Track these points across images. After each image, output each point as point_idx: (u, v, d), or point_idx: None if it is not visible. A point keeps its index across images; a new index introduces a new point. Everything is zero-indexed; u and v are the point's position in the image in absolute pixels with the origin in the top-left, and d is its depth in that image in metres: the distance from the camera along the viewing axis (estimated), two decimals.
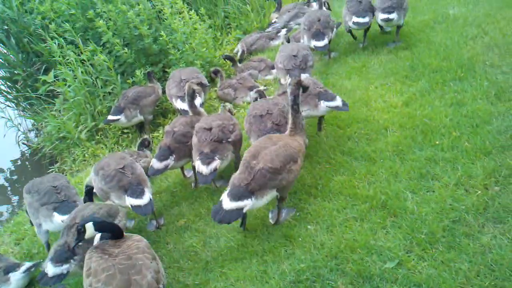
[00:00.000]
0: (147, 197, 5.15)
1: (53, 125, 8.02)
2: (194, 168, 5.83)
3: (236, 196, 4.55)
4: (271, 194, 4.75)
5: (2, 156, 9.03)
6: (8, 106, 9.59)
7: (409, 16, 9.30)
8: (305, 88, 5.30)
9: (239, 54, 9.27)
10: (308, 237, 4.77)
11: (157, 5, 8.35)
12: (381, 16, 7.93)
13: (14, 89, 9.39)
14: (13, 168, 8.86)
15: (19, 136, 9.11)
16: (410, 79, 7.15)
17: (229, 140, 5.57)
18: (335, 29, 9.02)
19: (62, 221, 4.96)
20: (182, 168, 6.22)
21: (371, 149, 5.79)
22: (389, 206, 4.85)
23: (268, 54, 9.37)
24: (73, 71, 7.69)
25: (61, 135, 8.02)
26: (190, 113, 6.26)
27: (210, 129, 5.56)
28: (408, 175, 5.22)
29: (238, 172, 4.81)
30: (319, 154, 5.97)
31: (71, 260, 4.51)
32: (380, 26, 8.80)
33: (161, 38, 8.01)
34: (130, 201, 5.10)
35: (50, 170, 7.99)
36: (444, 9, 9.46)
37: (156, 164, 5.65)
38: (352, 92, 7.20)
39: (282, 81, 6.99)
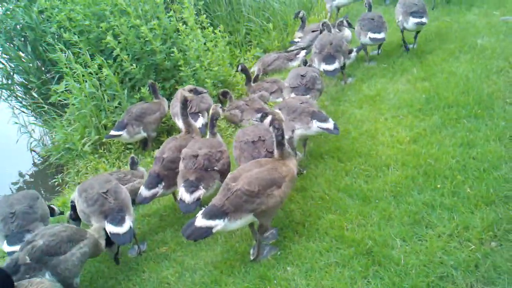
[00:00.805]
0: (127, 225, 5.01)
1: (61, 135, 8.03)
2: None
3: (209, 214, 4.46)
4: (247, 219, 4.60)
5: (14, 161, 9.11)
6: (23, 112, 9.71)
7: (435, 44, 8.93)
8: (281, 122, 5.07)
9: (255, 74, 9.10)
10: (285, 280, 4.53)
11: (172, 21, 8.27)
12: (412, 20, 8.29)
13: (29, 96, 9.50)
14: (21, 174, 8.91)
15: (31, 143, 9.19)
16: (423, 113, 6.81)
17: (215, 168, 5.40)
18: (354, 53, 8.78)
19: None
20: (174, 193, 6.06)
21: (368, 187, 5.50)
22: (375, 254, 4.56)
23: (285, 75, 9.14)
24: (80, 83, 7.68)
25: (67, 146, 8.03)
26: (182, 126, 6.09)
27: (196, 156, 5.40)
28: (401, 220, 4.91)
29: (218, 193, 4.72)
30: (314, 188, 5.72)
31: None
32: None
33: (172, 55, 7.91)
34: (109, 228, 4.99)
35: (54, 180, 8.00)
36: (473, 37, 9.04)
37: (144, 192, 5.53)
38: (360, 122, 6.92)
39: (285, 96, 6.96)
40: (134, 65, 7.84)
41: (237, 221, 4.52)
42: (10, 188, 8.57)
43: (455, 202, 4.97)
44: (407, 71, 8.20)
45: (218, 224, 4.43)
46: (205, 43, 8.25)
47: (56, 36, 8.47)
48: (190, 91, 6.05)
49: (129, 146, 7.82)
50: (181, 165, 5.43)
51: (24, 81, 9.44)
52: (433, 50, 8.73)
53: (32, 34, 8.92)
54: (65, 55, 7.74)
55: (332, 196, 5.51)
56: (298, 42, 10.10)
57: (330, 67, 7.57)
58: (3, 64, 9.44)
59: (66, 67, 7.62)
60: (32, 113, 9.69)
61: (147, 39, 7.89)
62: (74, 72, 7.71)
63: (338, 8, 11.26)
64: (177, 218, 5.87)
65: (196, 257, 5.10)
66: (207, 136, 5.92)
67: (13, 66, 9.37)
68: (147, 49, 7.99)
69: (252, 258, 4.90)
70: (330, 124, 5.88)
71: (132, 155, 6.75)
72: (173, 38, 8.39)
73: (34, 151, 9.02)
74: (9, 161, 9.00)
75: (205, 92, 6.54)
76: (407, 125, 6.59)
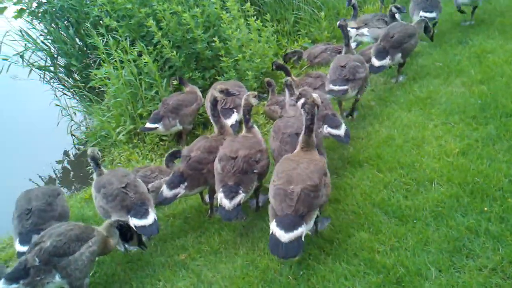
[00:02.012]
0: (151, 217, 5.07)
1: (97, 122, 7.96)
2: (212, 197, 5.58)
3: (290, 226, 4.24)
4: (315, 216, 4.56)
5: (55, 144, 9.11)
6: (66, 94, 9.71)
7: (498, 43, 8.22)
8: (317, 107, 4.94)
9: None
10: None
11: (216, 8, 7.94)
12: None
13: (71, 79, 9.48)
14: (59, 160, 8.90)
15: (71, 126, 9.18)
16: (477, 121, 6.24)
17: (255, 171, 5.13)
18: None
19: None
20: (201, 193, 5.82)
21: (406, 204, 5.07)
22: (405, 284, 4.17)
23: None
24: (117, 70, 7.52)
25: (103, 133, 7.94)
26: (214, 126, 5.82)
27: (235, 158, 5.11)
28: (440, 246, 4.48)
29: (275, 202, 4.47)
30: (347, 201, 5.34)
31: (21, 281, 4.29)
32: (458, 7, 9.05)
33: (213, 44, 7.62)
34: (134, 221, 4.98)
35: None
36: None
37: (165, 191, 5.33)
38: (406, 128, 6.42)
39: (326, 87, 6.75)
40: (174, 52, 7.59)
41: (311, 221, 4.47)
42: (50, 173, 8.55)
43: (503, 230, 4.48)
44: (464, 72, 7.56)
45: (304, 231, 4.27)
46: (249, 33, 7.86)
47: (99, 20, 8.32)
48: (221, 91, 5.75)
49: (164, 137, 7.63)
50: (218, 167, 5.16)
51: (66, 63, 9.40)
52: (494, 49, 8.02)
53: (75, 16, 8.83)
54: (103, 41, 7.57)
55: (366, 211, 5.11)
56: (349, 29, 9.53)
57: (377, 62, 7.19)
58: (47, 46, 9.43)
59: (103, 53, 7.46)
60: (74, 96, 9.67)
61: (188, 26, 7.61)
62: (112, 59, 7.55)
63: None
64: (202, 222, 5.63)
65: (215, 269, 4.85)
66: (243, 132, 5.60)
67: (56, 48, 9.33)
68: (188, 37, 7.72)
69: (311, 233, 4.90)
70: (341, 131, 5.72)
71: (175, 149, 6.52)
72: (216, 26, 8.07)
73: (73, 135, 8.98)
74: (49, 144, 9.03)
75: (237, 94, 6.24)
76: (458, 134, 6.05)
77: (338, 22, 7.62)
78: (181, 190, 5.34)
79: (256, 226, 5.31)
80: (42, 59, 9.52)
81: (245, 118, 5.52)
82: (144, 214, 5.03)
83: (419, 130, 6.31)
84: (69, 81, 9.52)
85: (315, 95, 4.96)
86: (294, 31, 10.06)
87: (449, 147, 5.82)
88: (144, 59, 7.42)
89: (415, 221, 4.83)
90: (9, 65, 9.13)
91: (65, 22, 9.18)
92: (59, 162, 8.84)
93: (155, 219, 5.06)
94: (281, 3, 10.10)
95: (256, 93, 5.65)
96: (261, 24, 8.13)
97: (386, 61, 7.22)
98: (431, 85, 7.38)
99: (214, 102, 5.72)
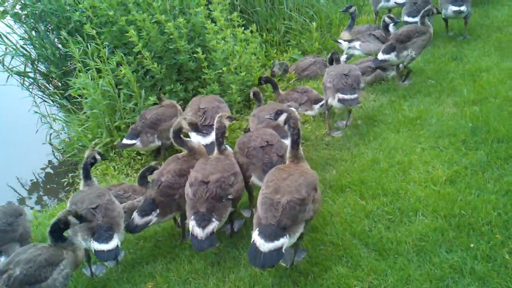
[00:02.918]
0: (113, 243, 4.72)
1: (74, 132, 7.66)
2: (183, 221, 5.26)
3: (271, 235, 4.13)
4: (300, 229, 4.38)
5: (33, 153, 8.77)
6: (45, 101, 9.39)
7: (493, 61, 7.96)
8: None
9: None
10: None
11: (201, 17, 7.63)
12: (451, 8, 8.64)
13: (52, 86, 9.16)
14: (36, 169, 8.57)
15: (50, 134, 8.85)
16: (467, 146, 5.96)
17: (229, 197, 4.85)
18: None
19: None
20: (175, 217, 5.51)
21: (388, 236, 4.78)
22: None
23: (320, 82, 8.38)
24: (95, 79, 7.22)
25: (80, 144, 7.63)
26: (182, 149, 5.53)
27: (207, 182, 4.81)
28: (422, 285, 4.20)
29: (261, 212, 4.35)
30: (326, 230, 5.05)
31: None
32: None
33: (195, 55, 7.33)
34: (94, 245, 4.70)
35: (63, 180, 7.63)
36: None
37: (136, 219, 5.02)
38: (393, 151, 6.14)
39: (330, 100, 6.68)
40: (155, 63, 7.28)
41: (295, 234, 4.31)
42: (24, 182, 8.24)
43: (489, 270, 4.22)
44: (456, 91, 7.29)
45: (284, 243, 4.15)
46: (234, 45, 7.56)
47: (80, 25, 8.00)
48: (190, 124, 5.52)
49: (141, 152, 7.31)
50: (189, 192, 4.85)
51: (46, 70, 9.10)
52: (490, 67, 7.77)
53: (55, 21, 8.52)
54: (80, 49, 7.27)
55: (346, 242, 4.82)
56: (339, 43, 9.28)
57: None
58: (27, 51, 9.12)
59: (79, 62, 7.17)
60: (54, 103, 9.36)
61: (171, 36, 7.31)
62: (89, 68, 7.26)
63: (389, 10, 10.34)
64: (173, 247, 5.32)
65: None
66: (215, 153, 5.30)
67: (36, 53, 9.02)
68: (170, 47, 7.42)
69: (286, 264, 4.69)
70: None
71: (148, 165, 6.20)
72: (202, 36, 7.77)
73: (51, 144, 8.66)
74: (28, 152, 8.69)
75: (204, 133, 6.05)
76: (446, 159, 5.77)
77: (260, 80, 7.91)
78: (153, 217, 5.03)
79: (229, 254, 5.01)
80: (22, 64, 9.19)
81: (218, 141, 5.23)
82: (106, 239, 4.70)
83: (406, 154, 6.03)
84: (50, 88, 9.19)
85: (294, 109, 5.05)
86: (285, 41, 9.77)
87: (437, 174, 5.54)
88: (122, 69, 7.11)
89: (396, 256, 4.54)
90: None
91: (46, 27, 8.86)
92: (36, 170, 8.50)
93: (117, 245, 4.71)
94: (272, 12, 9.81)
95: (228, 114, 5.37)
96: (249, 34, 7.84)
97: (391, 56, 7.48)
98: (422, 104, 7.10)
99: (178, 132, 5.43)
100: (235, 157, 5.36)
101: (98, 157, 5.57)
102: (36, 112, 8.85)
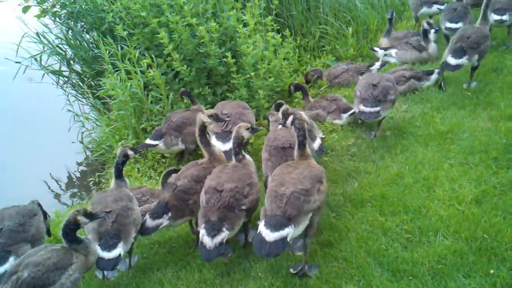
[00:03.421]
0: (116, 252, 4.69)
1: (103, 132, 7.77)
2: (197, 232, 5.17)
3: (276, 225, 4.28)
4: (306, 221, 4.50)
5: (66, 151, 8.93)
6: (79, 100, 9.57)
7: None
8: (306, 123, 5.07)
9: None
10: None
11: (233, 21, 7.58)
12: (493, 17, 8.24)
13: (85, 85, 9.33)
14: (67, 167, 8.72)
15: (82, 133, 9.01)
16: (498, 164, 5.71)
17: (243, 207, 4.81)
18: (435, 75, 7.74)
19: None
20: (191, 222, 5.50)
21: (404, 256, 4.62)
22: None
23: (352, 90, 8.19)
24: (124, 81, 7.30)
25: (108, 144, 7.74)
26: (203, 151, 5.53)
27: (221, 191, 4.79)
28: None
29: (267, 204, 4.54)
30: (341, 246, 4.93)
31: None
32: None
33: (225, 60, 7.30)
34: (98, 251, 4.69)
35: (90, 179, 7.74)
36: None
37: (148, 221, 5.07)
38: (419, 166, 5.94)
39: (355, 109, 6.77)
40: (185, 66, 7.30)
41: (300, 225, 4.42)
42: (57, 179, 8.41)
43: None
44: (493, 104, 6.99)
45: (289, 232, 4.28)
46: (263, 50, 7.48)
47: (114, 26, 8.10)
48: (210, 116, 5.45)
49: (166, 155, 7.33)
50: (203, 199, 4.86)
51: (80, 69, 9.27)
52: None
53: (90, 21, 8.66)
54: (109, 51, 7.37)
55: (360, 260, 4.69)
56: (376, 51, 9.08)
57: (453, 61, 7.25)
58: (62, 50, 9.31)
59: (108, 64, 7.26)
60: (87, 102, 9.53)
61: (202, 40, 7.31)
62: (117, 70, 7.35)
63: (431, 16, 10.04)
64: (185, 254, 5.30)
65: None
66: (232, 162, 5.25)
67: (72, 53, 9.20)
68: (200, 50, 7.42)
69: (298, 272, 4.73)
70: (314, 145, 5.87)
71: (171, 168, 6.23)
72: (233, 40, 7.73)
73: (81, 142, 8.80)
74: (59, 150, 8.85)
75: (227, 120, 5.95)
76: (475, 178, 5.53)
77: (290, 87, 7.87)
78: (164, 220, 5.06)
79: (240, 265, 4.95)
80: (57, 62, 9.39)
81: (235, 151, 5.18)
82: (110, 247, 4.68)
83: (432, 169, 5.82)
84: (84, 87, 9.36)
85: (302, 112, 5.14)
86: (319, 46, 9.62)
87: (463, 192, 5.31)
88: (150, 72, 7.16)
89: (410, 278, 4.39)
90: (25, 68, 9.04)
91: (82, 27, 9.04)
92: (67, 168, 8.66)
93: (119, 255, 4.66)
94: (308, 16, 9.67)
95: (249, 125, 5.31)
96: (281, 40, 7.75)
97: (463, 60, 7.21)
98: (455, 117, 6.84)
99: (203, 127, 5.44)
100: (262, 150, 5.57)
101: (130, 152, 5.53)
102: (69, 111, 9.03)
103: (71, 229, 4.55)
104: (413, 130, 6.76)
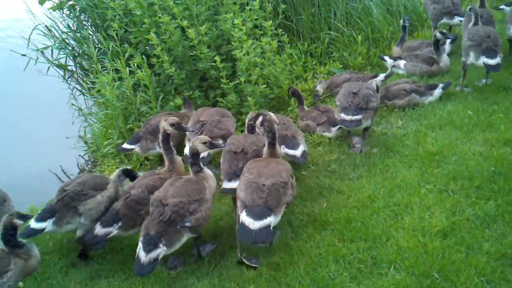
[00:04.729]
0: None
1: (93, 131, 7.82)
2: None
3: (260, 214, 4.50)
4: (282, 212, 4.80)
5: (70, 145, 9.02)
6: (84, 95, 9.65)
7: None
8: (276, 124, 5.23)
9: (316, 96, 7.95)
10: None
11: (228, 24, 7.41)
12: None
13: (89, 81, 9.40)
14: (63, 159, 8.80)
15: (85, 127, 9.07)
16: (479, 193, 5.33)
17: (186, 225, 4.66)
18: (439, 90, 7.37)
19: None
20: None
21: None
22: None
23: None
24: (115, 80, 7.28)
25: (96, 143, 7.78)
26: (165, 160, 5.46)
27: (165, 205, 4.67)
28: None
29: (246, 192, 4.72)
30: (288, 270, 4.71)
31: None
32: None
33: (214, 63, 7.16)
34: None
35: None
36: None
37: (97, 228, 4.99)
38: (395, 189, 5.61)
39: (336, 116, 6.66)
40: (173, 68, 7.20)
41: (278, 216, 4.69)
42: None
43: None
44: (493, 126, 6.54)
45: (272, 221, 4.52)
46: (255, 56, 7.27)
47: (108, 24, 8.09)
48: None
49: (150, 157, 7.27)
50: (150, 211, 4.79)
51: (86, 64, 9.36)
52: None
53: (94, 17, 8.71)
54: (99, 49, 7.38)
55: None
56: (386, 58, 8.68)
57: (493, 61, 7.04)
58: (70, 44, 9.40)
59: (97, 63, 7.26)
60: (90, 98, 9.59)
61: (191, 43, 7.19)
62: (105, 69, 7.35)
63: (450, 27, 9.56)
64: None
65: None
66: (191, 173, 5.13)
67: (77, 48, 9.29)
68: (190, 53, 7.31)
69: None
70: (297, 152, 5.85)
71: (125, 167, 6.06)
72: (231, 45, 7.56)
73: (80, 137, 8.87)
74: (64, 144, 8.92)
75: (190, 131, 5.81)
76: (449, 207, 5.17)
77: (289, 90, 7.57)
78: (113, 230, 4.97)
79: (185, 281, 4.79)
80: (65, 56, 9.50)
81: (190, 163, 5.04)
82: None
83: (407, 194, 5.48)
84: (88, 82, 9.44)
85: (271, 114, 5.26)
86: (329, 53, 9.31)
87: (431, 222, 4.98)
88: (139, 71, 7.11)
89: None
90: (30, 60, 9.18)
91: (87, 22, 9.11)
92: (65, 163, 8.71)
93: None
94: (318, 21, 9.37)
95: (208, 139, 5.13)
96: (276, 45, 7.52)
97: (499, 59, 7.07)
98: (449, 137, 6.43)
99: (165, 135, 5.32)
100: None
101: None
102: (73, 105, 9.12)
103: (10, 234, 4.54)
104: (401, 149, 6.40)
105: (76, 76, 9.59)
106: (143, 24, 7.57)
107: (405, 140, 6.59)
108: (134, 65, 7.28)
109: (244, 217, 4.50)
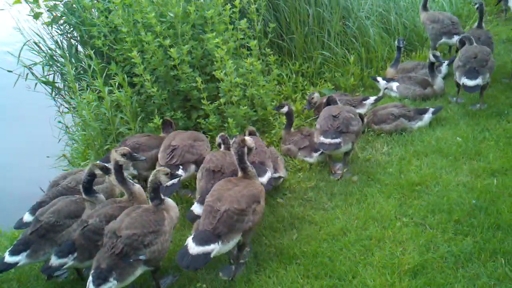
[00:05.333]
0: None
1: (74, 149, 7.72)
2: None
3: (203, 240, 4.41)
4: (237, 239, 4.64)
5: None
6: (71, 112, 9.54)
7: None
8: (249, 150, 5.15)
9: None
10: None
11: (210, 44, 7.24)
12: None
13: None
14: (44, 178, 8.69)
15: (69, 146, 8.95)
16: (458, 229, 5.06)
17: (140, 258, 4.48)
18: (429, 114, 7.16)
19: None
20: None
21: None
22: None
23: None
24: (94, 100, 7.15)
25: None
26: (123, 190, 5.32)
27: (118, 237, 4.49)
28: None
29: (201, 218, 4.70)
30: None
31: None
32: None
33: (194, 84, 7.00)
34: None
35: None
36: None
37: (52, 259, 4.79)
38: (370, 221, 5.37)
39: (315, 139, 6.45)
40: (155, 88, 7.04)
41: (229, 242, 4.54)
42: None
43: None
44: (481, 155, 6.26)
45: (214, 249, 4.39)
46: (244, 74, 7.11)
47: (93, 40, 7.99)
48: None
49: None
50: (104, 242, 4.61)
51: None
52: None
53: (80, 34, 8.62)
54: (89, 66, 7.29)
55: None
56: (379, 80, 8.43)
57: (471, 82, 7.01)
58: (56, 61, 9.32)
59: (73, 82, 7.15)
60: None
61: (172, 63, 7.04)
62: (81, 88, 7.25)
63: (450, 47, 9.32)
64: None
65: None
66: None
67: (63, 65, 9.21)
68: (172, 73, 7.16)
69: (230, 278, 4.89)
70: (264, 179, 5.56)
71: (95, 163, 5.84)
72: (215, 64, 7.38)
73: (64, 156, 8.75)
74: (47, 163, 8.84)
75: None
76: (423, 242, 4.91)
77: (284, 107, 7.22)
78: (68, 260, 4.75)
79: None
80: (52, 73, 9.43)
81: (150, 196, 4.87)
82: None
83: (382, 228, 5.24)
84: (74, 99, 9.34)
85: (247, 137, 5.19)
86: (321, 73, 9.09)
87: (402, 259, 4.72)
88: (116, 91, 6.98)
89: None
90: (20, 76, 9.13)
91: (75, 39, 9.04)
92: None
93: None
94: (311, 40, 9.16)
95: (168, 171, 4.97)
96: (259, 66, 7.33)
97: (479, 81, 7.00)
98: (433, 166, 6.18)
99: (117, 166, 5.15)
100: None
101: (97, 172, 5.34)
102: (59, 122, 9.03)
103: None
104: (382, 177, 6.14)
105: (63, 93, 9.46)
106: (126, 42, 7.47)
107: (388, 167, 6.34)
108: (115, 84, 7.15)
109: (189, 240, 4.46)
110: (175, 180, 5.25)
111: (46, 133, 9.05)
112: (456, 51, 8.34)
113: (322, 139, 6.20)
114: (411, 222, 5.25)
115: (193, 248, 4.35)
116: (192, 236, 4.49)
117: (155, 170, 4.94)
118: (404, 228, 5.17)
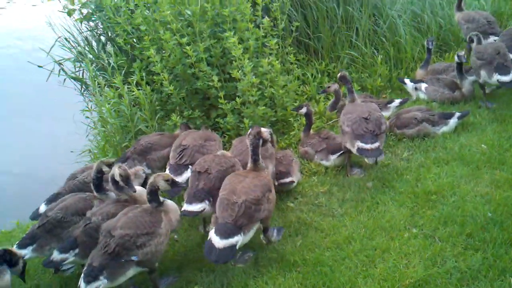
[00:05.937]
0: None
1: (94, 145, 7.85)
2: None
3: (226, 233, 4.51)
4: (256, 227, 4.84)
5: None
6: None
7: None
8: (264, 141, 5.27)
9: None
10: None
11: (229, 43, 7.17)
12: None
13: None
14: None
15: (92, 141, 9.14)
16: (468, 243, 4.84)
17: (133, 259, 4.50)
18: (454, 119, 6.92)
19: None
20: None
21: None
22: None
23: None
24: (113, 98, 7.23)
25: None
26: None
27: (111, 237, 4.52)
28: None
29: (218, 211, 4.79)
30: None
31: None
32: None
33: (211, 83, 6.95)
34: None
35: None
36: None
37: (54, 254, 4.88)
38: (376, 231, 5.21)
39: (348, 145, 6.09)
40: (172, 87, 7.05)
41: (249, 232, 4.71)
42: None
43: None
44: (506, 163, 5.97)
45: (239, 240, 4.52)
46: (252, 76, 7.00)
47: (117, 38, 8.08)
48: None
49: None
50: (99, 240, 4.66)
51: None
52: None
53: (108, 32, 8.75)
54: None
55: None
56: (406, 81, 8.17)
57: (506, 78, 6.94)
58: (85, 57, 9.48)
59: (85, 82, 7.27)
60: None
61: (189, 60, 7.03)
62: (99, 85, 7.34)
63: None
64: None
65: None
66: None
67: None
68: (188, 71, 7.15)
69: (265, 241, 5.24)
70: None
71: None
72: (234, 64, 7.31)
73: (90, 151, 8.90)
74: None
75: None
76: (430, 256, 4.72)
77: (303, 108, 7.01)
78: (69, 256, 4.84)
79: None
80: (82, 69, 9.62)
81: (148, 199, 4.86)
82: None
83: (389, 238, 5.06)
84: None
85: (264, 129, 5.29)
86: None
87: (405, 273, 4.54)
88: (135, 89, 7.03)
89: None
90: (51, 71, 9.35)
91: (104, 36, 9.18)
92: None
93: None
94: (340, 39, 8.96)
95: (171, 177, 4.95)
96: (278, 65, 7.21)
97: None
98: (453, 175, 5.92)
99: (111, 180, 5.13)
100: None
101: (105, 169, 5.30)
102: (87, 117, 9.18)
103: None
104: (397, 184, 5.93)
105: (91, 89, 9.63)
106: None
107: (406, 174, 6.12)
108: (133, 82, 7.21)
109: (212, 234, 4.54)
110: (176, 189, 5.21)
111: (73, 128, 9.30)
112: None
113: (362, 145, 5.86)
114: (421, 234, 5.04)
115: (218, 242, 4.46)
116: (213, 229, 4.59)
117: (155, 174, 4.94)
118: (412, 239, 4.98)
